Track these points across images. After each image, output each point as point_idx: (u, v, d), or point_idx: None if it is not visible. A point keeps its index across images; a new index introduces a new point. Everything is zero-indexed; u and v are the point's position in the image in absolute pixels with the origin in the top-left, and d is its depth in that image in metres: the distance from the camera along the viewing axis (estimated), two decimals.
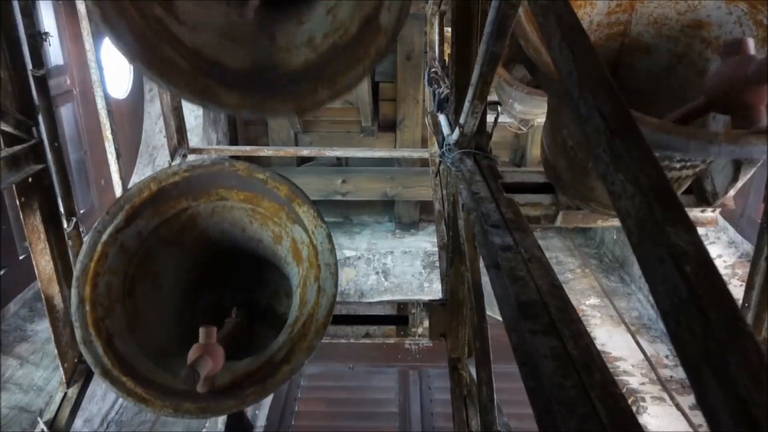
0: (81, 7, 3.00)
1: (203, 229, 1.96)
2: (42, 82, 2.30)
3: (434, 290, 6.25)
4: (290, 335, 1.73)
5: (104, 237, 1.74)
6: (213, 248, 2.07)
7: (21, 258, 3.88)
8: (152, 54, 1.41)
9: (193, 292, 2.12)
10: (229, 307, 2.07)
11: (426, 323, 2.42)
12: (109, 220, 1.75)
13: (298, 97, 1.55)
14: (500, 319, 0.99)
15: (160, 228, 1.87)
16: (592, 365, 0.77)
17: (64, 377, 2.44)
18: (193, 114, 6.11)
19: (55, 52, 4.28)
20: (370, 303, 2.52)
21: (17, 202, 2.23)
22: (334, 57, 1.58)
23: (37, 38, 2.32)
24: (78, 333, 1.70)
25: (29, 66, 2.24)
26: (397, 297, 6.21)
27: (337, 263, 1.76)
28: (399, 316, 2.44)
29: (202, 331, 1.60)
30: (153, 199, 1.79)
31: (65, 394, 2.43)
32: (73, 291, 1.71)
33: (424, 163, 5.98)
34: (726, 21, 1.57)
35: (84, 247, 1.74)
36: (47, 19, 4.17)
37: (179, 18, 1.52)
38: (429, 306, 2.44)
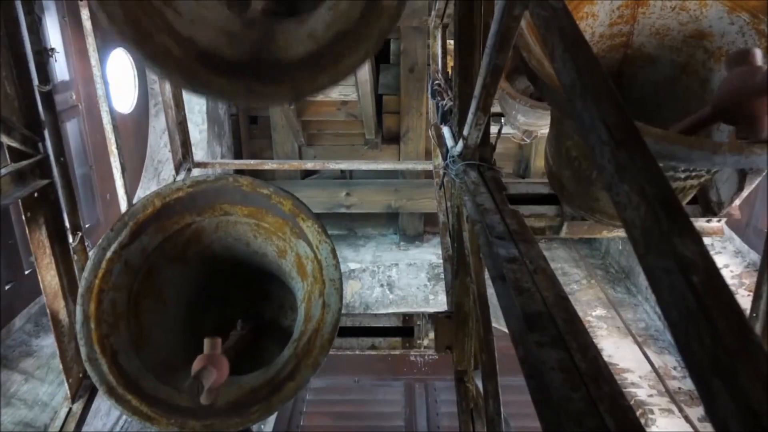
0: (87, 23, 3.03)
1: (207, 243, 1.96)
2: (48, 98, 2.32)
3: (439, 302, 6.23)
4: (295, 351, 1.72)
5: (108, 254, 1.74)
6: (217, 262, 2.07)
7: (26, 273, 3.89)
8: (145, 38, 1.36)
9: (198, 306, 2.12)
10: (234, 320, 2.06)
11: (431, 335, 2.41)
12: (113, 236, 1.76)
13: (296, 83, 1.48)
14: (506, 330, 0.98)
15: (165, 244, 1.87)
16: (600, 377, 0.76)
17: (68, 392, 2.43)
18: (197, 128, 6.14)
19: (61, 68, 4.31)
20: (375, 315, 2.51)
21: (23, 217, 2.24)
22: (335, 43, 1.51)
23: (43, 54, 2.34)
24: (83, 350, 1.70)
25: (35, 82, 2.25)
26: (402, 309, 6.19)
27: (342, 278, 1.75)
28: (404, 328, 2.43)
29: (206, 341, 1.60)
30: (157, 215, 1.79)
31: (70, 409, 2.42)
32: (78, 308, 1.71)
33: (428, 175, 5.98)
34: (728, 31, 1.58)
35: (88, 263, 1.74)
36: (53, 35, 4.21)
37: (177, 9, 1.48)
38: (434, 318, 2.43)
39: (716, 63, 1.63)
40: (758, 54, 1.21)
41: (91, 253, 1.76)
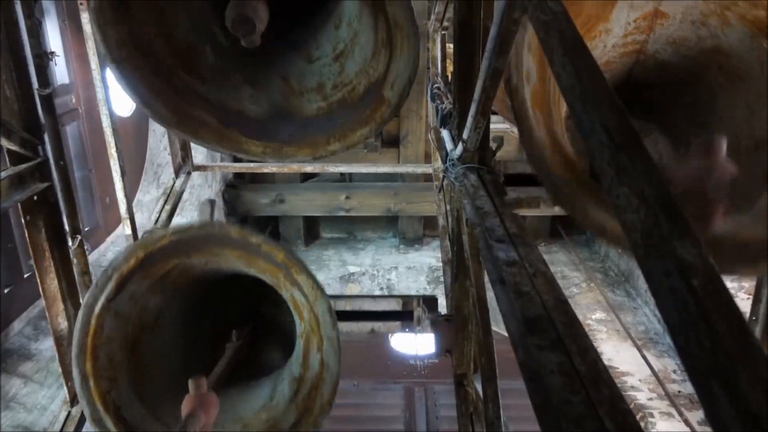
0: (87, 27, 3.03)
1: (198, 274, 1.92)
2: (48, 101, 2.32)
3: (439, 305, 6.21)
4: (294, 399, 1.73)
5: (97, 310, 1.68)
6: (211, 282, 2.04)
7: (26, 276, 3.89)
8: (185, 118, 1.61)
9: (196, 316, 2.10)
10: (233, 321, 2.05)
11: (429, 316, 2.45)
12: (98, 291, 1.69)
13: (313, 146, 1.75)
14: (506, 334, 0.98)
15: (153, 286, 1.81)
16: (600, 381, 0.76)
17: (68, 396, 2.43)
18: None
19: (61, 72, 4.31)
20: (375, 299, 2.52)
21: (22, 221, 2.24)
22: (343, 112, 1.76)
23: (43, 58, 2.34)
24: (86, 411, 1.67)
25: (35, 85, 2.26)
26: None
27: (339, 337, 1.69)
28: (403, 312, 2.46)
29: (191, 382, 1.56)
30: (141, 264, 1.72)
31: (69, 413, 2.42)
32: (75, 370, 1.67)
33: (427, 178, 5.98)
34: (748, 55, 1.54)
35: (77, 323, 1.68)
36: (53, 38, 4.22)
37: (203, 76, 1.73)
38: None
39: (728, 81, 1.61)
40: (723, 147, 1.22)
41: (79, 312, 1.69)
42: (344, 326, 2.38)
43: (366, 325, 2.43)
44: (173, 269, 1.81)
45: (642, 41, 1.76)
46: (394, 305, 2.46)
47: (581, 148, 1.62)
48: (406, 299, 2.48)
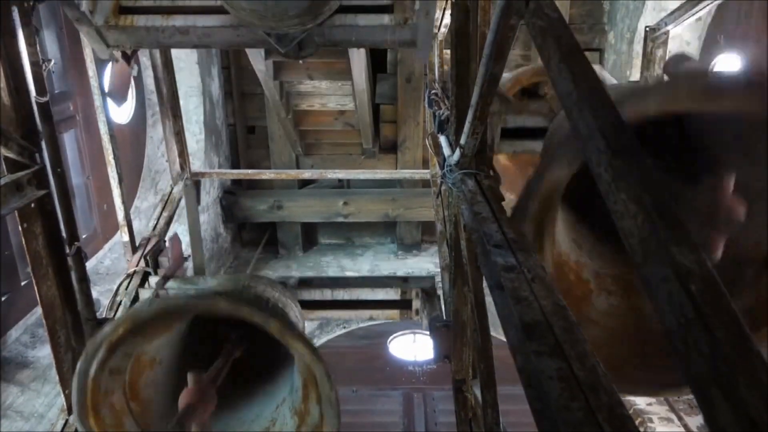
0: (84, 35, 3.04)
1: (193, 317, 1.93)
2: (45, 109, 2.32)
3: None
4: None
5: (92, 374, 1.68)
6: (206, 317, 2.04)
7: (23, 284, 3.87)
8: None
9: (192, 342, 2.08)
10: (229, 332, 2.04)
11: (426, 309, 2.46)
12: (90, 358, 1.67)
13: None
14: (504, 339, 0.98)
15: (147, 340, 1.81)
16: (599, 386, 0.76)
17: (65, 404, 2.42)
18: (195, 138, 6.15)
19: (58, 79, 4.32)
20: (373, 289, 2.53)
21: (20, 228, 2.23)
22: None
23: (40, 65, 2.34)
24: None
25: (33, 93, 2.26)
26: None
27: (338, 398, 1.70)
28: (402, 301, 2.46)
29: (190, 376, 1.59)
30: (131, 331, 1.70)
31: (66, 421, 2.41)
32: (79, 426, 1.68)
33: (425, 184, 5.99)
34: None
35: (74, 391, 1.68)
36: (51, 46, 4.22)
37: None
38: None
39: None
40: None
41: (73, 380, 1.68)
42: (343, 314, 2.41)
43: (364, 313, 2.45)
44: (165, 329, 1.83)
45: None
46: (392, 294, 2.48)
47: None
48: (404, 288, 2.51)
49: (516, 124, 2.17)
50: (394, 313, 2.49)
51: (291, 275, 5.54)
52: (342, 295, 2.44)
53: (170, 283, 2.96)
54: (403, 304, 2.50)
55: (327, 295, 2.64)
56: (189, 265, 4.12)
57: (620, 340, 1.57)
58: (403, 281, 2.60)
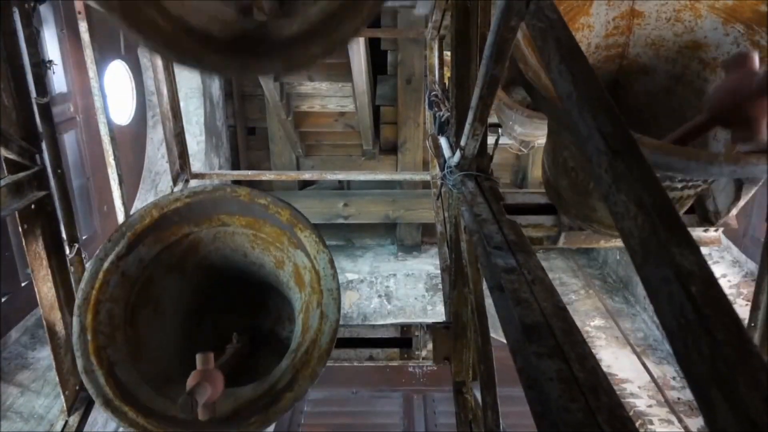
0: (85, 36, 3.04)
1: (205, 254, 1.96)
2: (46, 110, 2.32)
3: (437, 313, 6.21)
4: (293, 362, 1.72)
5: (106, 265, 1.74)
6: (215, 274, 2.06)
7: (23, 285, 3.87)
8: (132, 11, 1.37)
9: (195, 317, 2.11)
10: (231, 331, 2.05)
11: (429, 346, 2.41)
12: (110, 247, 1.75)
13: (289, 55, 1.49)
14: (505, 341, 0.98)
15: (162, 254, 1.86)
16: (599, 388, 0.76)
17: (65, 405, 2.42)
18: (195, 139, 6.15)
19: (59, 80, 4.32)
20: (373, 326, 2.51)
21: (20, 229, 2.23)
22: (326, 20, 1.51)
23: (41, 66, 2.34)
24: (79, 362, 1.68)
25: (33, 94, 2.26)
26: (400, 320, 6.17)
27: (340, 288, 1.75)
28: (402, 339, 2.43)
29: (199, 357, 1.59)
30: (155, 225, 1.79)
31: (66, 422, 2.40)
32: (75, 319, 1.70)
33: (425, 185, 5.99)
34: (723, 42, 1.59)
35: (86, 275, 1.73)
36: (51, 47, 4.22)
37: None
38: (432, 329, 2.43)
39: (711, 73, 1.63)
40: (755, 57, 1.21)
41: (88, 264, 1.75)
42: (342, 353, 2.38)
43: (364, 352, 2.41)
44: (183, 239, 1.86)
45: (623, 43, 1.79)
46: (392, 332, 2.45)
47: None
48: (405, 326, 2.47)
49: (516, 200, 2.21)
50: (394, 353, 2.44)
51: None
52: (341, 332, 2.40)
53: None
54: (404, 343, 2.45)
55: None
56: None
57: None
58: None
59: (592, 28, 1.75)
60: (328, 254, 1.76)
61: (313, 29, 1.50)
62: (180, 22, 1.44)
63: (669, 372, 4.50)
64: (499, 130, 3.41)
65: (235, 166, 7.28)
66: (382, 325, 2.52)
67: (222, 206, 1.83)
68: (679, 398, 4.19)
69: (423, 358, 2.42)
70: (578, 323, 0.92)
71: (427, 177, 4.97)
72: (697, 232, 2.03)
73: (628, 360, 4.69)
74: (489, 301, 1.26)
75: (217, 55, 1.45)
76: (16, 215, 2.20)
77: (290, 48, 1.49)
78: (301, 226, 1.78)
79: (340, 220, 6.88)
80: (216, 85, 6.65)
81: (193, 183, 4.24)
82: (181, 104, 4.19)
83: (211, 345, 2.00)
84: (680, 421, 3.97)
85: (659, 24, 1.71)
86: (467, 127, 1.65)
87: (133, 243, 1.77)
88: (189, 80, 6.02)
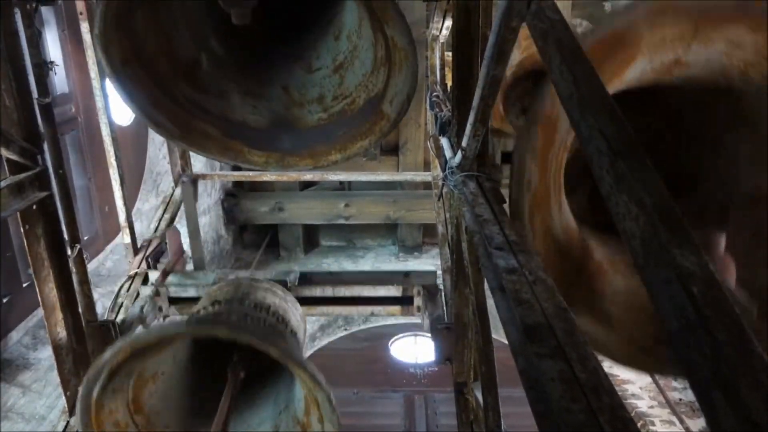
0: (86, 36, 3.04)
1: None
2: (47, 110, 2.32)
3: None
4: None
5: (94, 396, 1.69)
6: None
7: (24, 285, 3.88)
8: (189, 130, 1.69)
9: (193, 361, 2.08)
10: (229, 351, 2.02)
11: (429, 307, 2.47)
12: (92, 381, 1.68)
13: (314, 156, 1.83)
14: (506, 342, 0.98)
15: (148, 360, 1.83)
16: (601, 389, 0.76)
17: (66, 406, 2.42)
18: None
19: (60, 81, 4.32)
20: (374, 286, 2.54)
21: (21, 230, 2.23)
22: (343, 123, 1.83)
23: (42, 67, 2.34)
24: None
25: (35, 94, 2.26)
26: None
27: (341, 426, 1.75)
28: (404, 297, 2.47)
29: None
30: (132, 355, 1.70)
31: (68, 423, 2.40)
32: None
33: (426, 186, 5.99)
34: (758, 102, 1.51)
35: (77, 413, 1.69)
36: (53, 48, 4.23)
37: (204, 88, 1.78)
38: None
39: (735, 121, 1.57)
40: None
41: (77, 404, 1.69)
42: (344, 310, 2.42)
43: (366, 309, 2.45)
44: (165, 345, 1.84)
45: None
46: (393, 291, 2.49)
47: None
48: (406, 285, 2.52)
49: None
50: (395, 310, 2.50)
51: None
52: (343, 292, 2.44)
53: (170, 278, 2.96)
54: (405, 301, 2.51)
55: (328, 292, 2.65)
56: (190, 267, 4.13)
57: (647, 318, 1.52)
58: (405, 276, 2.59)
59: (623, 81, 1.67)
60: (325, 392, 1.71)
61: (332, 123, 1.86)
62: (224, 122, 1.77)
63: None
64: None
65: (236, 166, 7.28)
66: (386, 273, 2.57)
67: (202, 332, 1.83)
68: (680, 399, 4.18)
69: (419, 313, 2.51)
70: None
71: (428, 177, 4.96)
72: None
73: None
74: (490, 302, 1.26)
75: (258, 151, 1.85)
76: (18, 216, 2.20)
77: (315, 149, 1.85)
78: (291, 363, 1.72)
79: (341, 221, 6.88)
80: None
81: (194, 184, 4.24)
82: None
83: (212, 352, 2.00)
84: (681, 422, 3.96)
85: (702, 72, 1.59)
86: (468, 127, 1.65)
87: (114, 372, 1.70)
88: None
